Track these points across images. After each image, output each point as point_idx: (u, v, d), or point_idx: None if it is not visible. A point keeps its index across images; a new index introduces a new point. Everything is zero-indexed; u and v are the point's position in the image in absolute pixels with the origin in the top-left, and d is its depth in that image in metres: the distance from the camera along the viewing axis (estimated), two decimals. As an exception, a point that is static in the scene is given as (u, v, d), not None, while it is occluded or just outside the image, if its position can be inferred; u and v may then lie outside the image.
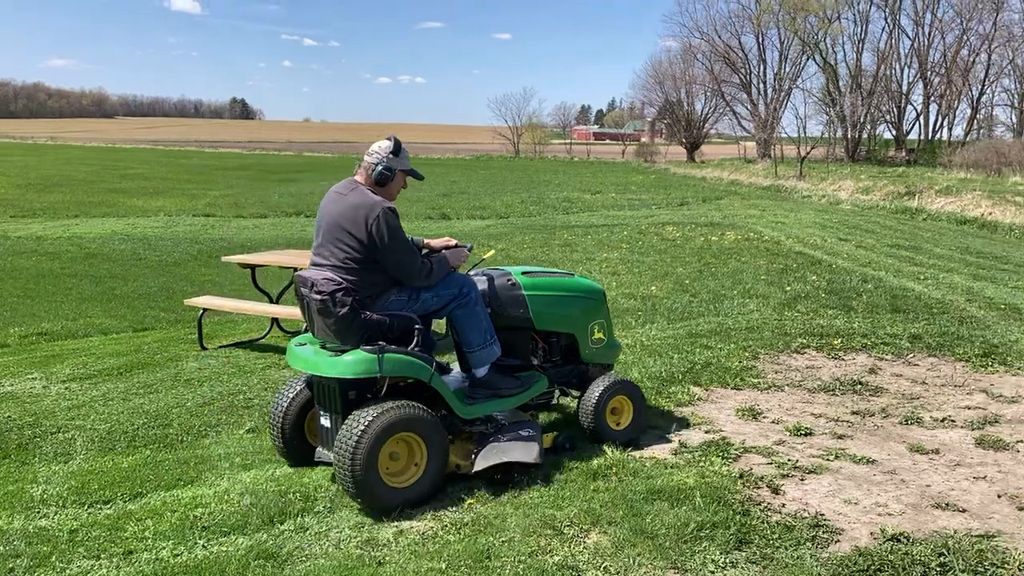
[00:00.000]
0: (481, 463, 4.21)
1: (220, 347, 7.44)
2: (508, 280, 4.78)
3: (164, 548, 3.56)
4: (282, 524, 3.77)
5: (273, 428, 4.55)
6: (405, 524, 3.75)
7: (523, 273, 4.90)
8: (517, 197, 26.30)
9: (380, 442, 3.88)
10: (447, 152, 78.46)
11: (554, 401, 5.20)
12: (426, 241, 4.78)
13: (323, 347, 4.25)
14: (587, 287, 5.14)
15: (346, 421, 3.97)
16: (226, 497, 4.06)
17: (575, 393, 5.11)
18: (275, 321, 7.92)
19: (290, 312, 7.35)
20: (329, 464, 4.31)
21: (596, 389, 4.81)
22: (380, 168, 4.39)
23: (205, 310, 7.54)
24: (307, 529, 3.73)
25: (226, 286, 10.43)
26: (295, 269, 8.03)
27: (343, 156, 68.84)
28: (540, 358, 4.99)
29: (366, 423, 3.88)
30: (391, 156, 4.44)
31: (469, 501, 3.95)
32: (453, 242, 4.84)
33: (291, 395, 4.54)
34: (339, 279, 4.13)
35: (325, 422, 4.32)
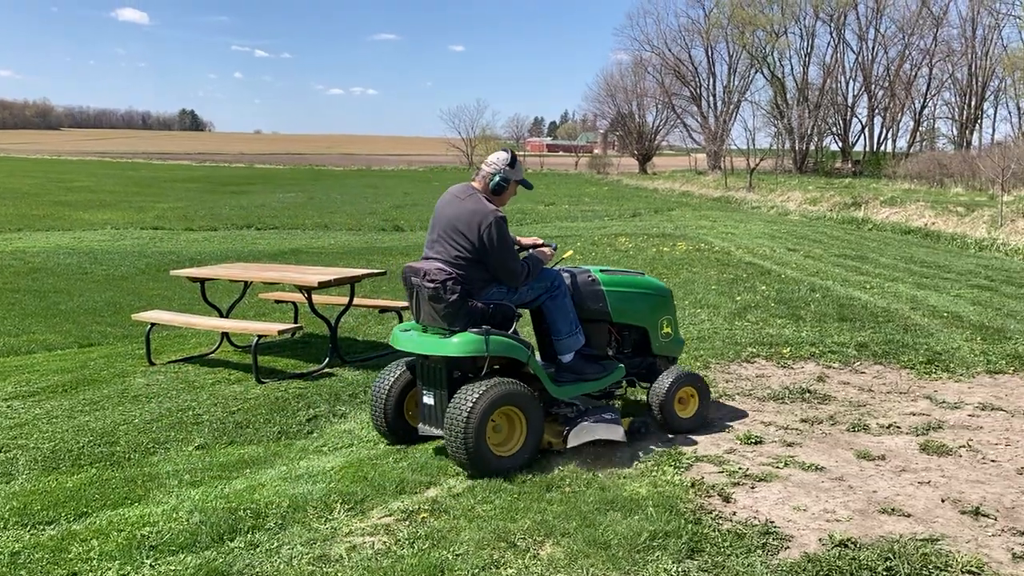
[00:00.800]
0: (574, 440, 4.68)
1: (169, 363, 7.31)
2: (589, 277, 5.25)
3: (110, 569, 3.48)
4: (232, 541, 3.71)
5: (376, 410, 4.99)
6: (358, 540, 3.72)
7: (601, 271, 5.36)
8: (471, 209, 26.29)
9: (487, 414, 4.36)
10: (400, 164, 78.32)
11: (619, 392, 5.55)
12: (517, 238, 5.16)
13: (425, 331, 4.78)
14: (657, 286, 5.63)
15: (455, 396, 4.45)
16: (174, 515, 3.98)
17: (644, 384, 5.52)
18: (225, 336, 7.81)
19: (241, 326, 7.26)
20: (433, 438, 4.86)
21: (666, 380, 5.21)
22: (498, 179, 4.88)
23: (153, 325, 7.41)
24: (258, 546, 3.67)
25: (175, 300, 10.25)
26: (246, 283, 7.97)
27: (295, 168, 68.31)
28: (614, 350, 5.42)
29: (475, 397, 4.37)
30: (507, 168, 4.93)
31: (423, 515, 3.93)
32: (540, 241, 5.31)
33: (393, 378, 4.99)
34: (448, 270, 4.63)
35: (429, 400, 4.79)
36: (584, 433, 4.71)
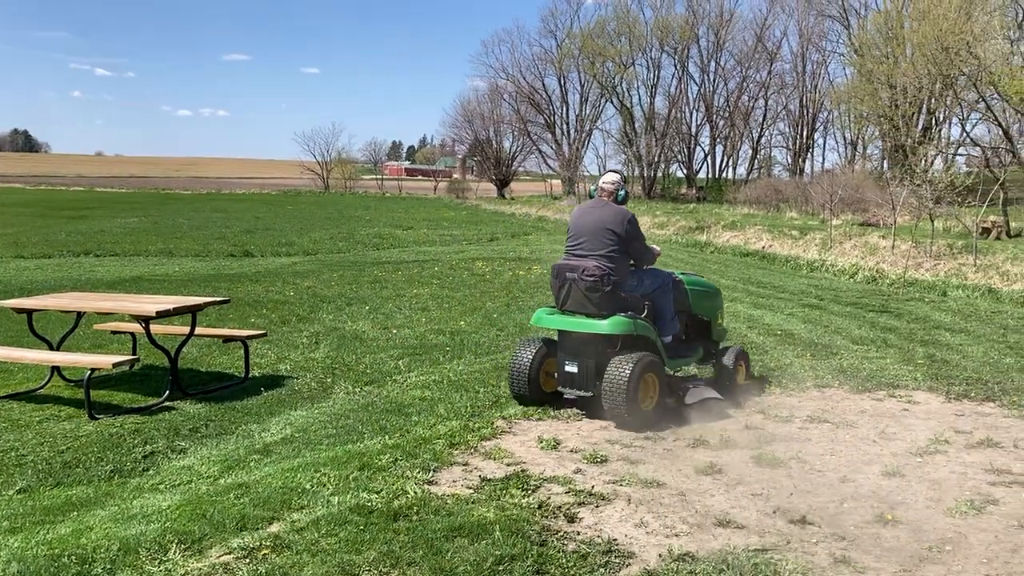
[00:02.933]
0: (689, 399, 6.21)
1: (-10, 400, 6.80)
2: (676, 278, 6.69)
3: (-89, 630, 3.18)
4: (54, 592, 3.47)
5: (518, 378, 6.25)
6: (194, 581, 3.55)
7: (681, 274, 6.83)
8: (326, 233, 25.88)
9: (640, 378, 5.72)
10: (252, 187, 76.12)
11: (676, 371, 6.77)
12: None
13: (569, 315, 6.12)
14: (715, 286, 7.28)
15: (611, 364, 5.77)
16: (-11, 566, 3.69)
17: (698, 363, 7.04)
18: (55, 369, 7.34)
19: (73, 359, 6.84)
20: (573, 399, 6.27)
21: (731, 356, 6.83)
22: (622, 192, 6.43)
23: (-28, 360, 6.88)
24: (83, 595, 3.45)
25: None
26: (79, 313, 7.52)
27: (139, 191, 65.25)
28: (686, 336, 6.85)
29: (631, 365, 5.70)
30: (623, 183, 6.50)
31: (264, 552, 3.80)
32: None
33: (533, 352, 6.26)
34: (603, 266, 5.95)
35: (571, 369, 6.13)
36: (696, 393, 6.28)
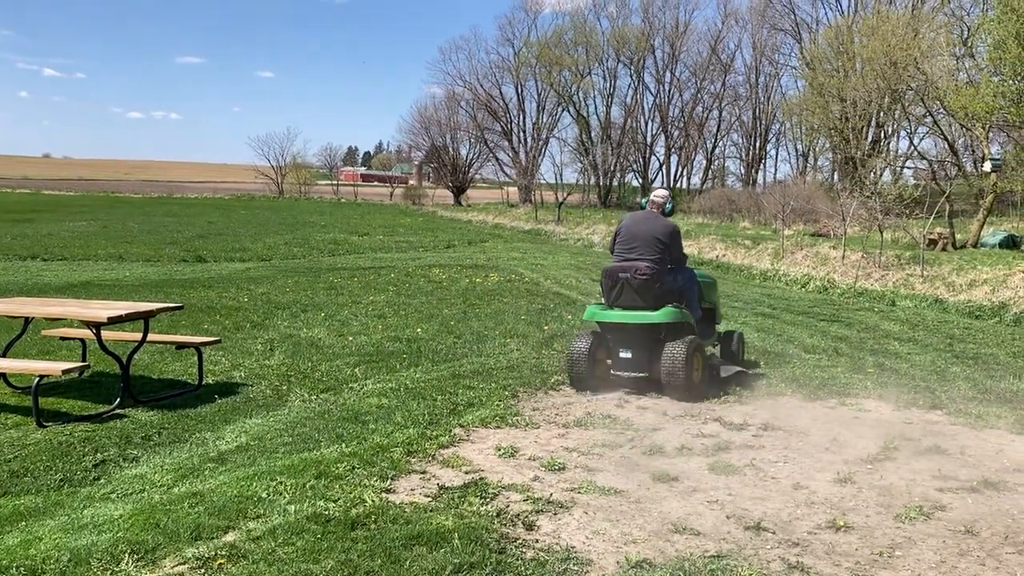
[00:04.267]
0: (724, 373, 7.52)
1: (-68, 408, 6.61)
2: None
3: None
4: (1, 604, 3.39)
5: (576, 366, 7.19)
6: (147, 592, 3.49)
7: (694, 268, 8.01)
8: (281, 239, 25.63)
9: (692, 357, 6.91)
10: (205, 191, 75.16)
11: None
12: None
13: (617, 310, 7.30)
14: (714, 278, 8.79)
15: (667, 348, 6.95)
16: (-67, 579, 3.59)
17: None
18: (1, 376, 7.16)
19: (19, 366, 6.68)
20: (626, 380, 7.24)
21: (736, 339, 8.25)
22: (670, 205, 7.79)
23: (-86, 366, 6.68)
24: (32, 607, 3.36)
25: (-57, 338, 9.29)
26: (26, 319, 7.33)
27: (88, 195, 64.03)
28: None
29: (685, 347, 6.91)
30: (671, 198, 7.91)
31: (220, 561, 3.75)
32: None
33: (589, 343, 7.23)
34: (652, 267, 7.16)
35: (626, 355, 7.23)
36: (728, 369, 7.65)
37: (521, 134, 65.58)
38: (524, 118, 65.51)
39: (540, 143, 64.02)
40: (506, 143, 66.01)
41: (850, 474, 5.17)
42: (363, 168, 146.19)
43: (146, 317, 6.93)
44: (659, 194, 7.86)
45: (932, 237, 20.23)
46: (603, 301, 7.52)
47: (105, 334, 6.94)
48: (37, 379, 6.27)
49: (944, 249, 20.43)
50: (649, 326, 7.15)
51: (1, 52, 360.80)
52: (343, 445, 5.57)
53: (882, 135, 40.35)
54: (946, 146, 28.53)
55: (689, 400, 6.84)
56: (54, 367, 6.50)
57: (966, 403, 7.05)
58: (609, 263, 7.48)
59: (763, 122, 58.40)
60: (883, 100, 33.70)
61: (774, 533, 4.24)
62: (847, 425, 6.35)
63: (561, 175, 59.24)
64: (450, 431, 5.90)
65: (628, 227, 7.49)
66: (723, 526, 4.33)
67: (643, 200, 7.98)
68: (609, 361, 7.40)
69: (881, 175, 29.32)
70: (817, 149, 50.06)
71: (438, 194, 67.32)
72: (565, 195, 44.17)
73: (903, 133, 39.64)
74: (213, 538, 4.02)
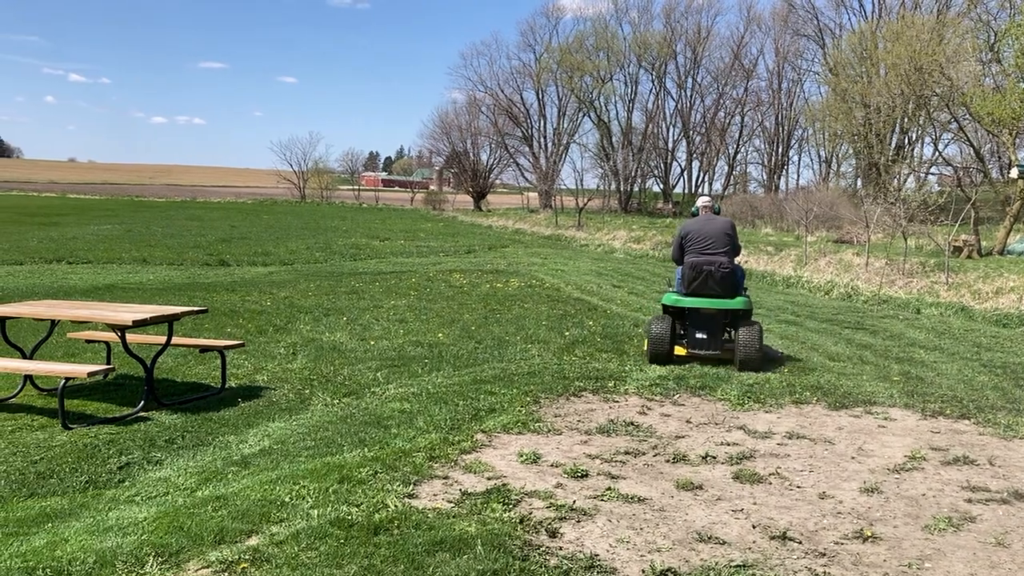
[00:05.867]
0: (771, 355, 8.89)
1: (-40, 409, 6.68)
2: None
3: None
4: (27, 606, 3.40)
5: (659, 344, 8.37)
6: (171, 595, 3.49)
7: None
8: (303, 243, 25.75)
9: (761, 338, 8.31)
10: (228, 196, 75.68)
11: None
12: None
13: (695, 297, 8.61)
14: (744, 270, 9.99)
15: (743, 330, 8.25)
16: (-40, 580, 3.61)
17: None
18: (28, 379, 7.23)
19: (46, 368, 6.73)
20: (703, 357, 8.64)
21: (759, 328, 8.57)
22: (717, 206, 9.32)
23: (-58, 368, 6.75)
24: (57, 609, 3.38)
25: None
26: (53, 321, 7.41)
27: (113, 198, 64.64)
28: None
29: (756, 329, 8.29)
30: (714, 201, 9.49)
31: (243, 565, 3.75)
32: None
33: (668, 325, 8.40)
34: (729, 260, 8.54)
35: (701, 336, 8.59)
36: (772, 352, 9.06)
37: (542, 139, 65.65)
38: (545, 123, 65.61)
39: (561, 148, 64.06)
40: (526, 148, 66.08)
41: (877, 484, 5.11)
42: (384, 173, 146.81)
43: (170, 320, 6.98)
44: (704, 200, 9.29)
45: (957, 244, 20.03)
46: (677, 290, 8.82)
47: (130, 337, 6.98)
48: (63, 381, 6.33)
49: (969, 256, 20.23)
50: (727, 311, 8.54)
51: (27, 58, 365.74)
52: (365, 450, 5.56)
53: (906, 141, 40.04)
54: (972, 152, 28.22)
55: (762, 371, 8.15)
56: (80, 369, 6.55)
57: (995, 413, 6.96)
58: (692, 258, 8.58)
59: (785, 128, 58.10)
60: (907, 106, 33.43)
61: (800, 543, 4.19)
62: (873, 434, 6.28)
63: (581, 180, 59.21)
64: (472, 437, 5.89)
65: (697, 230, 8.67)
66: (748, 535, 4.29)
67: (694, 208, 9.24)
68: (684, 340, 8.77)
69: (905, 181, 29.09)
70: (840, 155, 49.81)
71: (458, 199, 67.44)
72: (586, 200, 44.07)
73: (928, 139, 39.33)
74: (236, 542, 4.02)
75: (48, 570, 3.69)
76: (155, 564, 3.77)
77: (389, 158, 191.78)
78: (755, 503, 4.77)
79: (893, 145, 37.90)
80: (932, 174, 34.81)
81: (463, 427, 6.14)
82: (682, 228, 8.93)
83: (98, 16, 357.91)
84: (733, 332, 8.63)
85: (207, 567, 3.76)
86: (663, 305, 8.89)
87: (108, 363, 7.54)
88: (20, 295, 12.54)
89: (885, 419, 6.76)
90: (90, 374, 6.44)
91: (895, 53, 30.11)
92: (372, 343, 9.59)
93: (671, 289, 9.07)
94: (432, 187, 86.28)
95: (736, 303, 8.48)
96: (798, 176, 66.23)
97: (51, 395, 7.03)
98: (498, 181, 73.27)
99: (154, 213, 43.40)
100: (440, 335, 10.15)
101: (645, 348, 8.75)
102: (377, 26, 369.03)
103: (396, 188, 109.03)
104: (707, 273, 8.42)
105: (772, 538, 4.25)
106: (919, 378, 8.28)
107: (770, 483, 5.13)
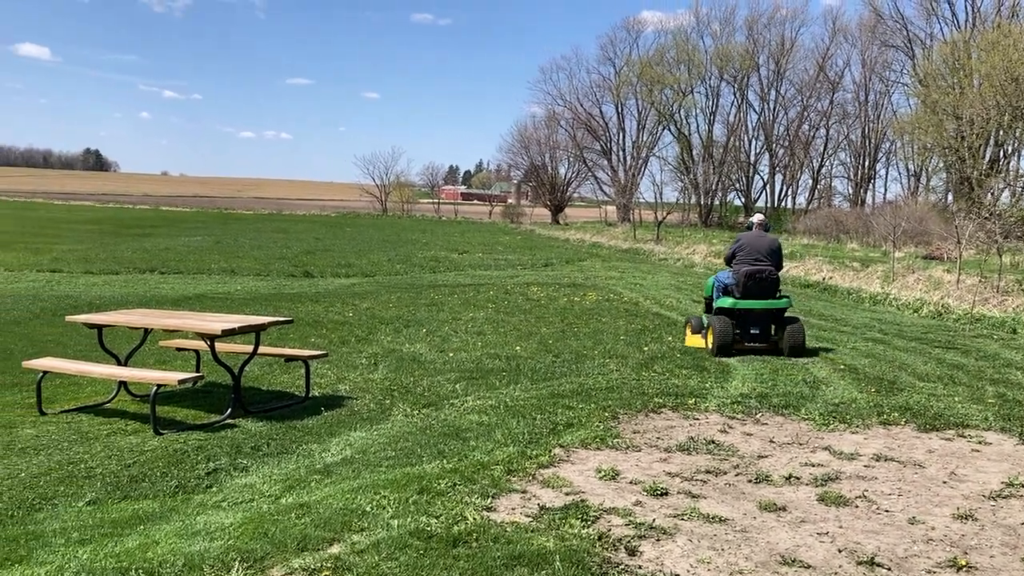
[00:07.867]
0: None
1: (61, 412, 6.99)
2: None
3: (-15, 637, 3.26)
4: (121, 605, 3.52)
5: (723, 339, 9.75)
6: (256, 600, 3.57)
7: None
8: (384, 255, 26.17)
9: (804, 330, 10.00)
10: (312, 209, 77.46)
11: None
12: None
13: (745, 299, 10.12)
14: None
15: (790, 326, 9.94)
16: (59, 577, 3.77)
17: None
18: (122, 384, 7.52)
19: (139, 375, 7.00)
20: (755, 349, 10.12)
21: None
22: (767, 222, 10.63)
23: (45, 373, 7.08)
24: (149, 609, 3.49)
25: (70, 347, 9.82)
26: (146, 330, 7.69)
27: (203, 211, 66.85)
28: None
29: (800, 324, 10.01)
30: (768, 221, 10.34)
31: (325, 573, 3.81)
32: None
33: (729, 323, 9.83)
34: (775, 272, 10.13)
35: (755, 331, 10.13)
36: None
37: (620, 152, 65.41)
38: (624, 136, 65.36)
39: (640, 162, 63.71)
40: (605, 162, 65.92)
41: (971, 510, 4.91)
42: (463, 187, 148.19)
43: (258, 330, 7.17)
44: (758, 217, 11.02)
45: (1057, 261, 19.14)
46: (734, 295, 10.15)
47: (218, 346, 7.20)
48: (155, 388, 6.56)
49: (1071, 274, 19.30)
50: (777, 310, 10.12)
51: (125, 75, 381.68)
52: (444, 461, 5.61)
53: (1001, 154, 38.51)
54: (1073, 165, 27.00)
55: (802, 357, 9.75)
56: (171, 377, 6.78)
57: (1099, 439, 6.61)
58: (745, 267, 10.08)
59: (872, 141, 56.58)
60: (1003, 118, 32.18)
61: (889, 570, 4.05)
62: (966, 458, 6.04)
63: (661, 194, 58.59)
64: (550, 451, 5.87)
65: (750, 243, 10.28)
66: (834, 560, 4.17)
67: (749, 222, 10.93)
68: (738, 334, 10.04)
69: (1000, 196, 27.98)
70: (930, 169, 48.18)
71: (536, 212, 67.64)
72: (665, 214, 43.67)
73: (1024, 152, 37.73)
74: (319, 549, 4.10)
75: (140, 571, 3.82)
76: (241, 569, 3.86)
77: (468, 172, 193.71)
78: (841, 526, 4.63)
79: (987, 158, 36.50)
80: (1029, 188, 33.42)
81: (541, 441, 6.13)
82: (738, 238, 10.57)
83: (191, 34, 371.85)
84: (775, 327, 10.19)
85: (290, 573, 3.83)
86: (718, 307, 10.24)
87: (197, 371, 7.79)
88: (115, 303, 13.07)
89: (979, 443, 6.49)
90: (180, 381, 6.66)
91: (990, 63, 29.08)
92: (451, 355, 9.68)
93: (719, 295, 10.51)
94: (510, 200, 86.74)
95: (782, 303, 10.15)
96: (885, 190, 64.23)
97: (143, 401, 7.29)
98: (576, 195, 73.27)
99: (242, 225, 44.70)
100: (518, 348, 10.18)
101: (707, 343, 10.18)
102: (459, 41, 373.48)
103: (475, 201, 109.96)
104: (759, 279, 10.00)
105: (859, 563, 4.12)
106: (1016, 401, 7.92)
107: (857, 506, 4.98)
